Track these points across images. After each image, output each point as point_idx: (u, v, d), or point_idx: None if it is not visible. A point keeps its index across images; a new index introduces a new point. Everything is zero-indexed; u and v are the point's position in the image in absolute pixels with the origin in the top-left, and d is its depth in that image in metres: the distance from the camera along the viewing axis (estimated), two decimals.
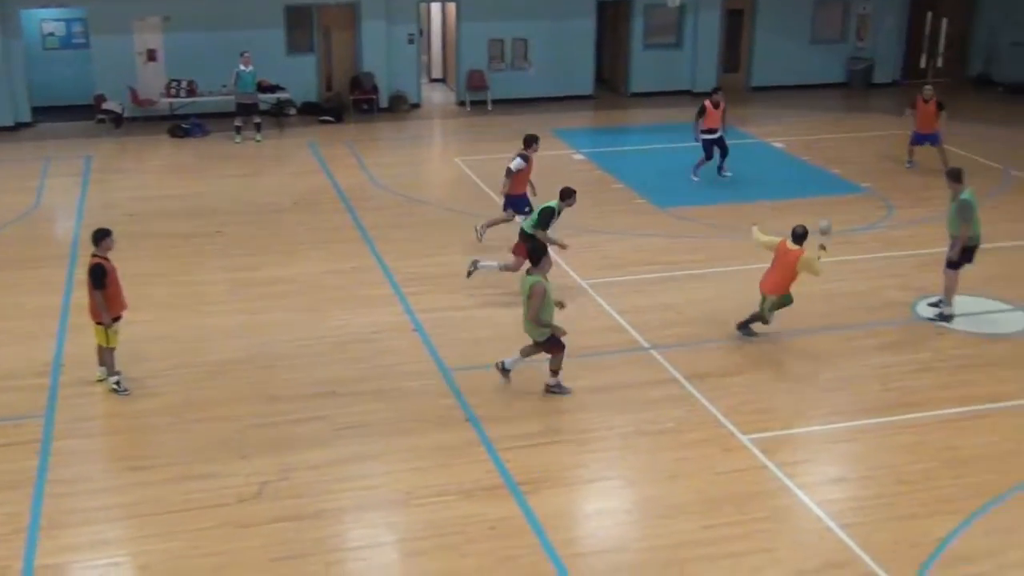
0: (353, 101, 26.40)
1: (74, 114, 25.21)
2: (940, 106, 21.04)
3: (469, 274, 15.15)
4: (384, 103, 26.67)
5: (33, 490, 10.57)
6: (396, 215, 18.91)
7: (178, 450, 11.30)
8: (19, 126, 24.55)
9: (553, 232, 14.89)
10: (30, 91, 24.81)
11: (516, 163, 16.57)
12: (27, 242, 17.59)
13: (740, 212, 18.99)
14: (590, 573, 9.51)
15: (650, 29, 28.52)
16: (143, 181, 21.18)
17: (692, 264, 16.54)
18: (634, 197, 19.84)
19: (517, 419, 11.94)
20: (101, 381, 12.56)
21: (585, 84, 28.26)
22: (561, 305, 12.39)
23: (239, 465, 11.00)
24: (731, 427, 11.80)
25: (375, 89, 26.46)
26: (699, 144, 20.62)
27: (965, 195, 14.18)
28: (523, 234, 14.89)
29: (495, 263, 15.14)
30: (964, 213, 14.18)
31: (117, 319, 12.34)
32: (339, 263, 16.52)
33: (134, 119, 24.80)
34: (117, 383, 12.41)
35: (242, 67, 23.04)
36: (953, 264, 14.39)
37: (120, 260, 12.68)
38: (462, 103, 27.59)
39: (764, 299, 13.68)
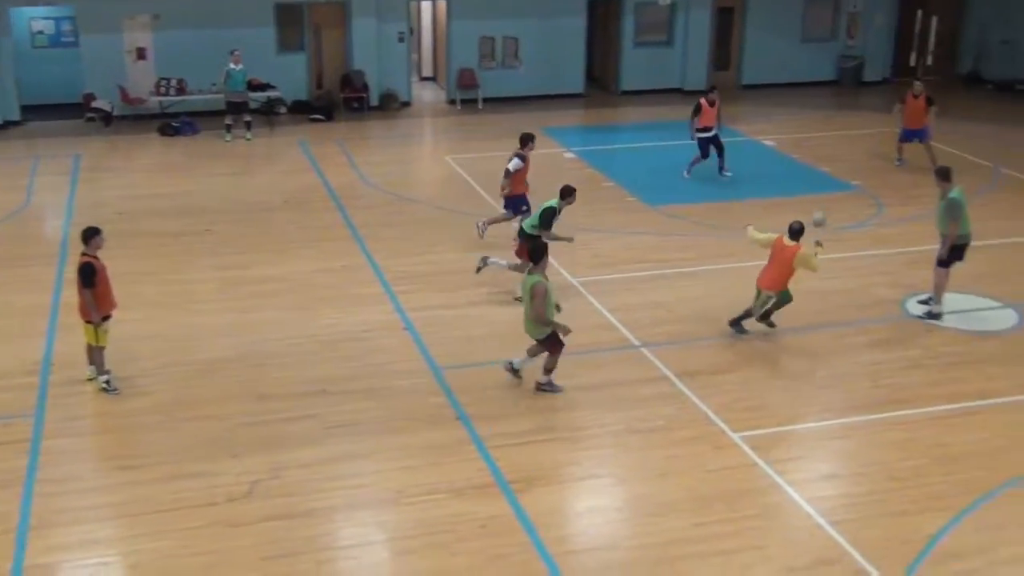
0: (343, 99, 26.36)
1: (63, 112, 25.14)
2: (930, 101, 21.11)
3: (478, 270, 15.12)
4: (374, 101, 26.63)
5: (23, 489, 10.53)
6: (386, 213, 18.90)
7: (168, 449, 11.27)
8: (8, 125, 24.49)
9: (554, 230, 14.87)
10: (19, 89, 24.73)
11: (514, 163, 16.57)
12: (16, 241, 17.53)
13: (730, 210, 19.03)
14: (581, 571, 9.52)
15: (641, 27, 28.53)
16: (133, 180, 21.12)
17: (683, 262, 16.55)
18: (625, 195, 19.85)
19: (508, 417, 11.94)
20: (91, 380, 12.53)
21: (576, 82, 28.26)
22: (557, 308, 12.40)
23: (229, 464, 10.98)
24: (722, 425, 11.81)
25: (365, 87, 26.43)
26: (694, 142, 20.64)
27: (953, 194, 14.21)
28: (523, 234, 14.87)
29: (504, 261, 15.12)
30: (952, 212, 14.21)
31: (107, 318, 12.31)
32: (329, 261, 16.50)
33: (124, 117, 24.73)
34: (107, 382, 12.38)
35: (232, 65, 23.00)
36: (943, 262, 14.42)
37: (110, 259, 12.64)
38: (453, 101, 27.57)
39: (759, 294, 13.68)
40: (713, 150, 20.67)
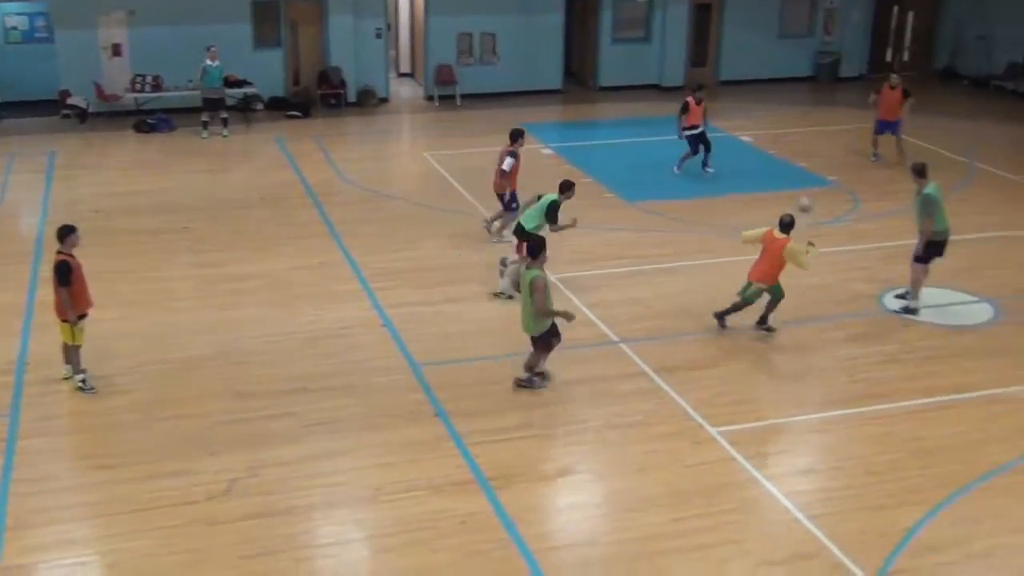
0: (321, 96, 26.27)
1: (38, 109, 24.96)
2: (906, 93, 21.24)
3: (502, 273, 15.10)
4: (352, 98, 26.55)
5: None
6: (364, 210, 18.86)
7: (146, 448, 11.22)
8: None
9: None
10: None
11: (508, 163, 16.67)
12: None
13: (708, 206, 19.09)
14: (560, 567, 9.53)
15: (618, 23, 28.55)
16: (109, 177, 20.99)
17: (661, 258, 16.59)
18: (603, 191, 19.87)
19: (487, 414, 11.95)
20: (67, 379, 12.45)
21: (554, 78, 28.26)
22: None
23: (208, 462, 10.94)
24: (700, 420, 11.85)
25: (343, 84, 26.35)
26: (682, 140, 20.71)
27: (928, 189, 14.29)
28: (520, 230, 14.87)
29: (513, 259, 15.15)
30: (927, 208, 14.29)
31: (83, 316, 12.25)
32: (307, 258, 16.45)
33: (99, 114, 24.57)
34: (83, 381, 12.32)
35: (208, 62, 22.89)
36: (919, 258, 14.50)
37: (85, 257, 12.56)
38: (430, 98, 27.53)
39: (748, 286, 13.69)
40: (700, 146, 20.76)
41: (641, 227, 17.93)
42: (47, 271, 13.12)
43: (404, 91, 28.86)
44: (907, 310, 14.61)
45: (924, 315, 14.56)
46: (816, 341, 13.83)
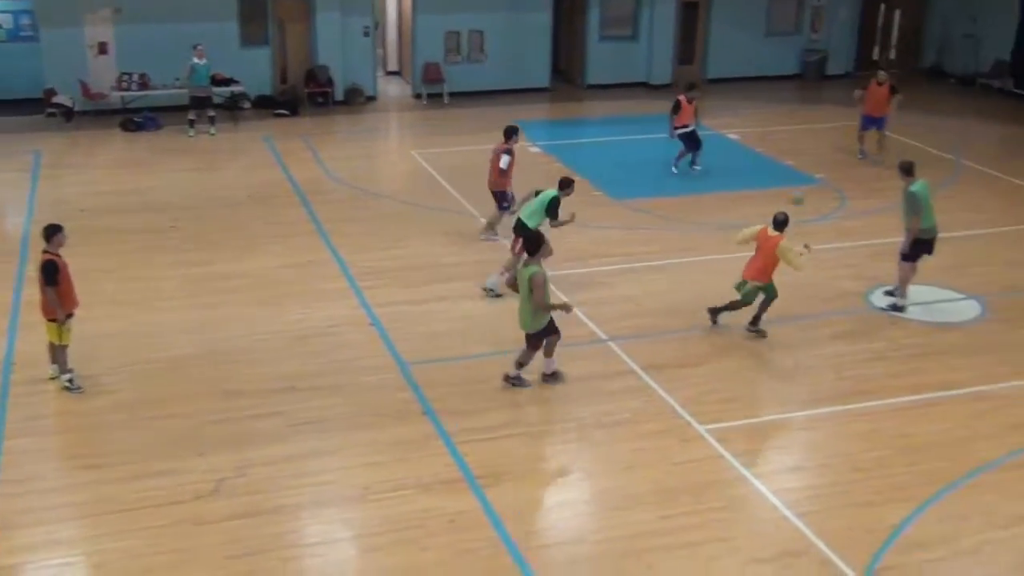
0: (308, 94, 26.21)
1: (23, 108, 24.81)
2: (893, 90, 21.29)
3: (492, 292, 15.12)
4: (340, 96, 26.50)
5: None
6: (352, 208, 18.83)
7: (133, 448, 11.19)
8: None
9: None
10: None
11: (505, 160, 16.69)
12: None
13: (695, 204, 19.12)
14: (549, 565, 9.53)
15: (606, 21, 28.55)
16: (95, 176, 20.91)
17: (648, 256, 16.60)
18: (591, 189, 19.86)
19: (475, 412, 11.94)
20: (53, 379, 12.40)
21: (541, 76, 28.25)
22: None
23: (195, 462, 10.91)
24: (688, 417, 11.86)
25: (330, 82, 26.30)
26: (673, 139, 20.73)
27: (914, 187, 14.32)
28: (521, 226, 14.90)
29: (496, 276, 15.10)
30: (912, 205, 14.33)
31: (69, 316, 12.20)
32: (294, 257, 16.42)
33: (85, 113, 24.47)
34: (70, 381, 12.27)
35: (195, 60, 22.82)
36: (906, 256, 14.54)
37: (72, 256, 12.51)
38: (418, 96, 27.50)
39: (743, 284, 13.68)
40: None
41: (628, 225, 17.93)
42: (33, 271, 13.07)
43: (392, 89, 28.82)
44: (894, 307, 14.65)
45: (911, 312, 14.60)
46: (803, 339, 13.86)
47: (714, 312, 13.99)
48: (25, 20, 25.50)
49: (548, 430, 11.79)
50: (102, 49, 24.72)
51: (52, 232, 12.09)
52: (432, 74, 27.21)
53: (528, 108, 26.33)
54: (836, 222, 18.18)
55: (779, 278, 13.81)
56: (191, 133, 23.27)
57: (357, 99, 26.64)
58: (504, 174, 16.72)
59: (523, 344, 12.34)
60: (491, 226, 17.09)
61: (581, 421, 11.93)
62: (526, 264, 12.06)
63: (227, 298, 14.92)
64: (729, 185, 20.20)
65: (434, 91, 27.25)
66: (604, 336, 13.81)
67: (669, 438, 11.50)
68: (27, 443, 11.32)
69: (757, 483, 10.69)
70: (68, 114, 24.19)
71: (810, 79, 29.80)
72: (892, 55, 30.71)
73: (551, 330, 12.26)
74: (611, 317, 14.31)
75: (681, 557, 9.59)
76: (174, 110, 23.98)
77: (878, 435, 11.63)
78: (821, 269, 15.91)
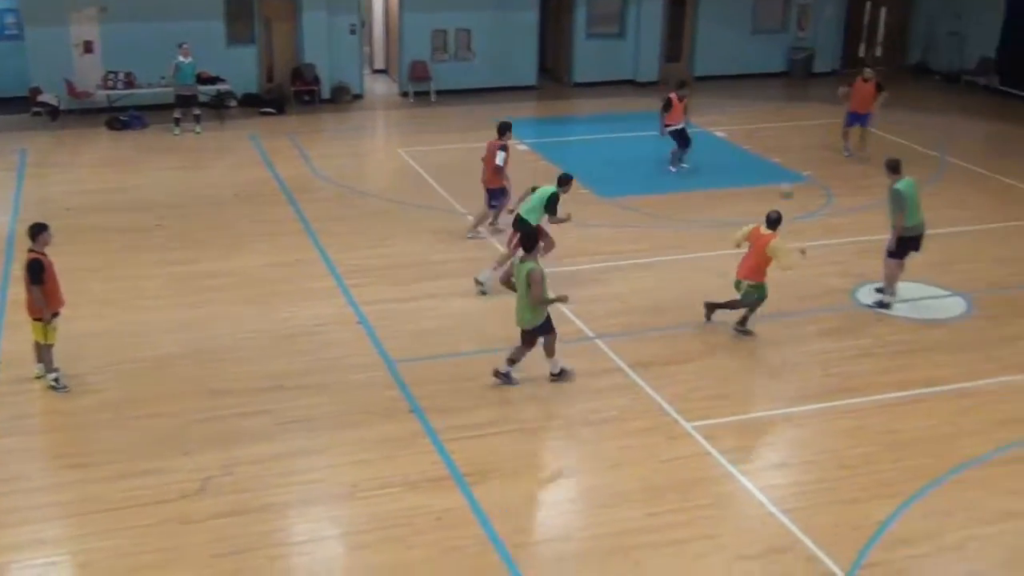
0: (295, 92, 26.15)
1: (8, 107, 24.69)
2: (879, 87, 21.36)
3: (481, 292, 15.05)
4: (326, 94, 26.45)
5: None
6: (339, 207, 18.80)
7: (118, 447, 11.16)
8: None
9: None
10: None
11: (501, 157, 16.72)
12: None
13: (683, 201, 19.15)
14: (536, 562, 9.54)
15: (593, 19, 28.56)
16: (80, 175, 20.84)
17: (636, 253, 16.61)
18: (578, 187, 19.73)
19: (462, 410, 11.94)
20: (39, 378, 12.36)
21: (528, 74, 28.25)
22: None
23: (181, 461, 10.89)
24: (675, 415, 11.88)
25: (317, 80, 26.25)
26: (664, 137, 20.75)
27: (899, 185, 14.36)
28: (520, 221, 14.94)
29: (489, 271, 15.12)
30: (896, 203, 14.38)
31: (55, 315, 12.16)
32: (281, 256, 16.39)
33: (71, 112, 24.37)
34: (55, 380, 12.23)
35: (181, 58, 22.75)
36: (892, 253, 14.58)
37: (57, 255, 12.47)
38: (405, 94, 27.47)
39: (738, 284, 13.66)
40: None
41: (616, 223, 17.95)
42: (18, 270, 13.02)
43: (378, 88, 28.78)
44: (880, 304, 14.69)
45: (897, 309, 14.65)
46: (790, 336, 13.89)
47: (710, 307, 13.96)
48: (10, 18, 25.37)
49: (535, 428, 11.79)
50: (87, 48, 24.63)
51: (38, 231, 12.06)
52: (419, 72, 27.19)
53: (515, 106, 26.31)
54: (823, 219, 18.23)
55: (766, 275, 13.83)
56: (177, 132, 23.21)
57: (344, 97, 26.60)
58: (500, 171, 16.74)
59: (509, 342, 12.33)
60: (479, 223, 17.09)
61: (568, 419, 11.95)
62: (523, 260, 12.07)
63: (213, 297, 14.89)
64: (716, 183, 20.24)
65: (421, 89, 27.23)
66: (591, 334, 13.82)
67: (656, 435, 11.52)
68: (12, 442, 11.28)
69: (744, 480, 10.71)
70: (54, 113, 24.10)
71: (797, 77, 29.86)
72: (878, 52, 30.81)
73: (547, 328, 12.26)
74: (599, 315, 14.32)
75: (668, 554, 9.60)
76: (160, 109, 23.90)
77: (864, 432, 11.67)
78: (808, 266, 15.87)
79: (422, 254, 16.49)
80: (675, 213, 18.42)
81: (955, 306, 14.91)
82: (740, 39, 29.49)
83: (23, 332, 12.63)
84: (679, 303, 14.62)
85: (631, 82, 28.70)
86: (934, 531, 9.96)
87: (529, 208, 14.96)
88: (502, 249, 15.65)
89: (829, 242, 16.99)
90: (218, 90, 24.99)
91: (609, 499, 10.42)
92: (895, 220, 14.42)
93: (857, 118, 21.62)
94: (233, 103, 25.44)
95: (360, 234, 17.34)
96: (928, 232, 14.83)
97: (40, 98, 24.13)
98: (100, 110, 24.31)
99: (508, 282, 12.37)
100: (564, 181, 15.13)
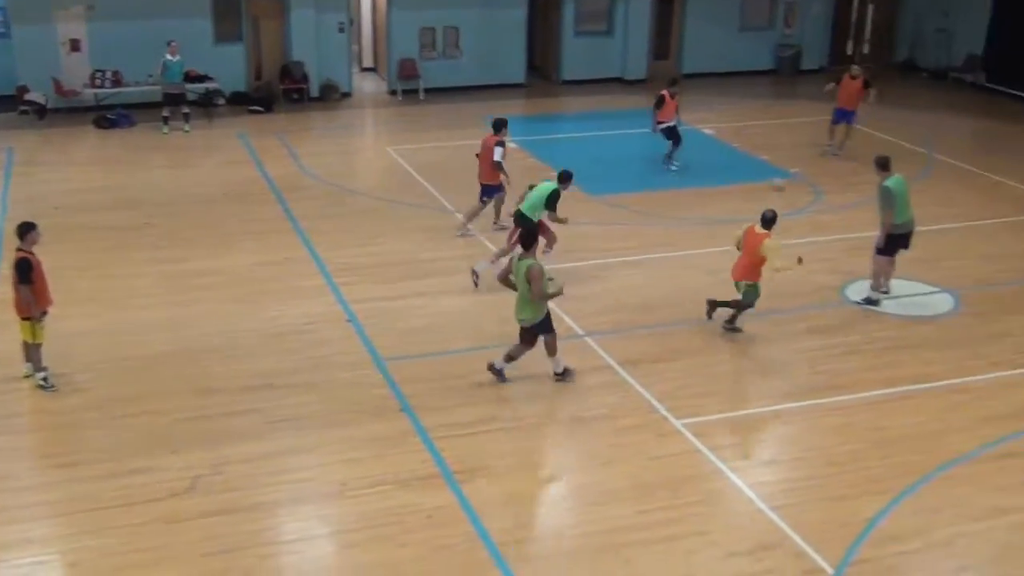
0: (283, 91, 26.12)
1: None
2: (867, 84, 21.41)
3: (475, 284, 15.03)
4: (315, 92, 26.42)
5: None
6: (328, 205, 18.78)
7: (108, 446, 11.13)
8: None
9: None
10: None
11: (499, 152, 16.75)
12: None
13: (671, 199, 19.17)
14: (526, 560, 9.54)
15: (581, 17, 28.58)
16: (68, 173, 20.77)
17: (625, 251, 16.63)
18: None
19: (452, 408, 11.94)
20: (28, 377, 12.33)
21: (517, 72, 28.25)
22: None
23: (171, 460, 10.87)
24: (665, 412, 11.90)
25: (305, 78, 26.21)
26: (656, 134, 20.78)
27: (888, 182, 14.39)
28: (521, 217, 14.97)
29: (486, 263, 15.15)
30: (883, 200, 14.41)
31: (43, 314, 12.12)
32: (270, 254, 16.36)
33: (58, 110, 24.30)
34: (44, 379, 12.20)
35: (169, 56, 22.69)
36: (880, 250, 14.62)
37: (45, 254, 12.41)
38: (394, 92, 27.44)
39: (738, 285, 13.62)
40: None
41: (605, 220, 17.96)
42: (7, 268, 12.97)
43: (367, 86, 28.75)
44: (869, 301, 14.73)
45: (885, 306, 14.69)
46: (779, 333, 13.92)
47: (712, 305, 13.88)
48: None
49: (526, 426, 11.79)
50: (75, 46, 24.54)
51: (26, 230, 12.02)
52: (407, 70, 27.16)
53: (504, 104, 26.27)
54: (811, 216, 18.26)
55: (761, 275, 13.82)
56: (165, 130, 23.15)
57: (332, 95, 26.57)
58: (498, 167, 16.77)
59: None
60: (469, 220, 17.09)
61: (558, 416, 11.96)
62: (522, 257, 12.07)
63: (202, 295, 14.86)
64: (705, 180, 20.27)
65: (409, 87, 27.21)
66: (581, 332, 13.83)
67: (646, 433, 11.53)
68: (1, 441, 11.23)
69: (733, 477, 10.74)
70: (41, 111, 24.02)
71: (784, 74, 29.92)
72: (865, 50, 30.88)
73: (547, 328, 12.25)
74: (588, 313, 14.33)
75: (658, 551, 9.62)
76: (148, 107, 23.85)
77: (852, 428, 11.70)
78: (784, 257, 15.96)
79: (411, 252, 16.48)
80: (664, 211, 18.44)
81: (943, 303, 14.96)
82: (728, 37, 29.54)
83: (11, 331, 12.57)
84: (668, 301, 14.65)
85: (619, 80, 28.73)
86: (923, 527, 9.99)
87: (531, 204, 15.01)
88: (491, 246, 15.61)
89: (818, 239, 17.02)
90: (206, 88, 24.93)
91: (599, 496, 10.44)
92: (884, 217, 14.45)
93: (844, 115, 21.69)
94: (221, 101, 25.39)
95: (349, 232, 17.32)
96: (916, 229, 14.86)
97: (27, 96, 24.03)
98: (88, 108, 24.24)
99: (507, 279, 12.37)
100: (565, 178, 15.19)
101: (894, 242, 14.56)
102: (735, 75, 29.43)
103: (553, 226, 15.30)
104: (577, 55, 28.68)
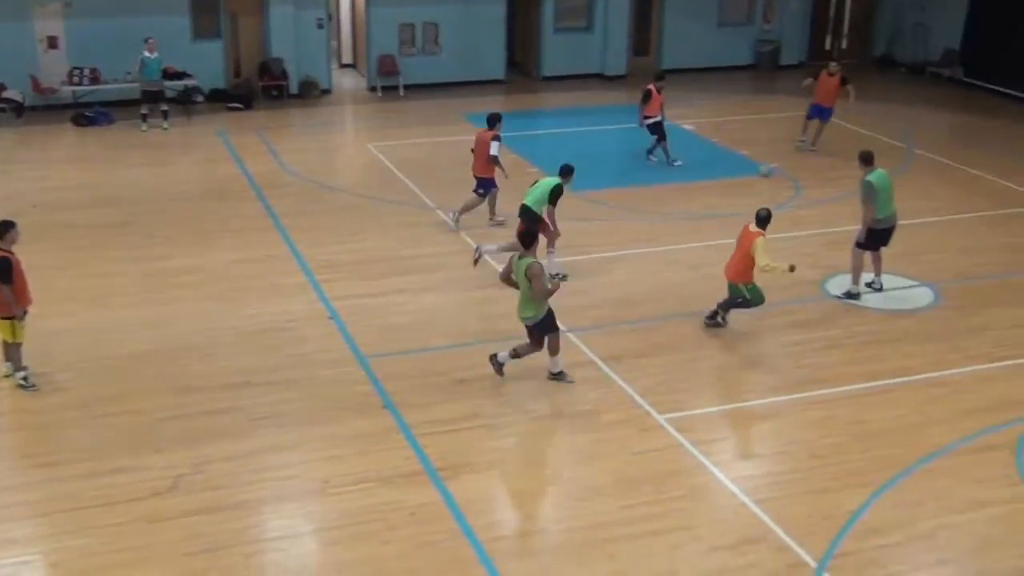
0: (262, 87, 26.03)
1: None
2: (844, 81, 21.49)
3: (475, 262, 15.01)
4: (294, 89, 26.34)
5: None
6: (308, 202, 18.72)
7: (88, 445, 11.07)
8: None
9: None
10: None
11: (495, 147, 16.82)
12: None
13: (651, 194, 19.20)
14: (510, 556, 9.55)
15: (561, 13, 28.58)
16: (46, 171, 20.64)
17: (606, 247, 16.65)
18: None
19: (435, 405, 11.92)
20: (8, 377, 12.25)
21: (497, 68, 28.23)
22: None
23: (153, 459, 10.82)
24: (647, 407, 11.92)
25: (284, 75, 26.13)
26: (643, 128, 20.79)
27: (870, 177, 14.46)
28: (525, 209, 15.02)
29: (495, 246, 15.15)
30: (865, 195, 14.48)
31: (24, 313, 12.03)
32: (251, 251, 16.31)
33: (36, 108, 24.14)
34: (24, 379, 12.12)
35: (147, 54, 22.57)
36: (860, 244, 14.69)
37: (24, 253, 12.32)
38: (373, 88, 27.38)
39: (736, 287, 13.60)
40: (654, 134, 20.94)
41: (585, 216, 17.96)
42: None
43: (346, 82, 28.69)
44: (849, 295, 14.79)
45: (865, 300, 14.75)
46: (760, 327, 13.96)
47: (724, 308, 13.80)
48: None
49: (509, 422, 11.79)
50: (52, 43, 24.38)
51: (5, 228, 11.93)
52: (387, 67, 27.11)
53: (484, 100, 26.23)
54: (791, 211, 18.31)
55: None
56: (144, 128, 23.04)
57: (312, 92, 26.49)
58: (494, 161, 16.79)
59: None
60: (465, 211, 17.09)
61: (541, 412, 11.96)
62: (521, 256, 12.06)
63: (182, 294, 14.80)
64: (685, 175, 20.31)
65: (389, 84, 27.15)
66: (563, 327, 13.77)
67: (629, 428, 11.55)
68: None
69: (716, 471, 10.77)
70: (18, 109, 23.86)
71: (763, 69, 29.99)
72: (844, 45, 31.01)
73: (551, 327, 12.23)
74: (570, 308, 14.32)
75: (643, 546, 9.63)
76: (126, 104, 23.73)
77: (834, 422, 11.75)
78: (777, 258, 15.99)
79: (392, 249, 16.46)
80: (645, 206, 18.47)
81: (922, 296, 15.04)
82: (707, 32, 29.61)
83: None
84: (650, 296, 14.67)
85: (599, 76, 28.74)
86: (904, 520, 10.05)
87: (536, 199, 15.06)
88: (471, 242, 15.57)
89: (798, 234, 17.07)
90: (185, 85, 24.82)
91: (583, 492, 10.45)
92: (865, 212, 14.51)
93: (820, 111, 21.77)
94: (200, 98, 25.27)
95: (330, 229, 17.28)
96: (897, 223, 14.92)
97: (4, 94, 23.85)
98: (66, 106, 24.10)
99: (509, 279, 12.36)
100: (567, 172, 15.25)
101: (875, 237, 14.63)
102: (714, 70, 29.50)
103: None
104: (557, 51, 28.68)
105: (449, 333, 13.64)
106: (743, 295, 13.48)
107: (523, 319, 12.18)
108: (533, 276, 11.80)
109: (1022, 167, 20.94)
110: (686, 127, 23.90)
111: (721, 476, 10.69)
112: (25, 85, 24.01)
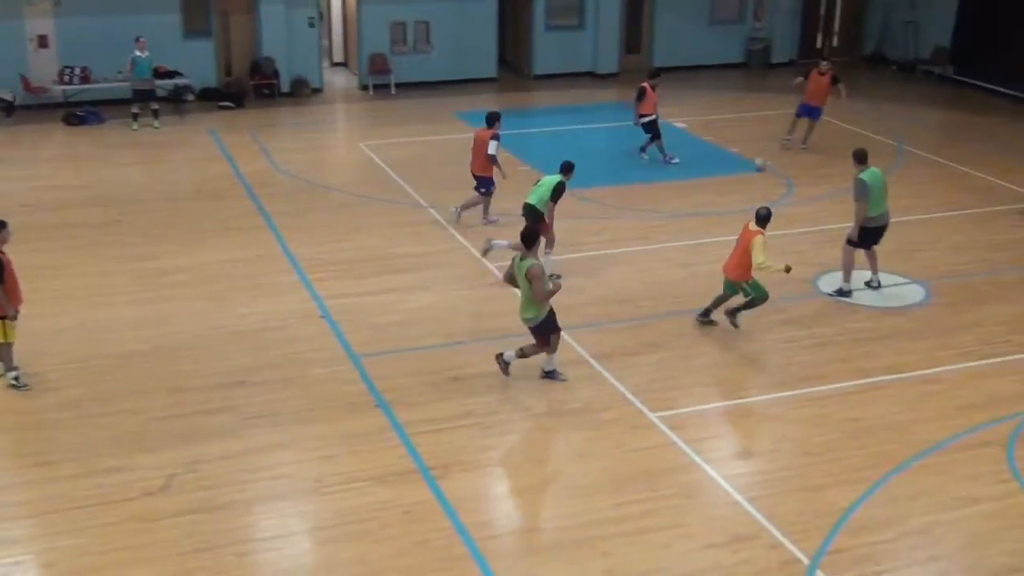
0: (253, 86, 25.98)
1: None
2: (835, 80, 21.51)
3: (485, 252, 14.80)
4: (285, 88, 26.30)
5: None
6: (300, 201, 18.70)
7: (81, 445, 11.05)
8: None
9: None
10: None
11: (494, 146, 16.85)
12: None
13: (643, 192, 19.22)
14: (503, 554, 9.56)
15: (552, 11, 28.57)
16: (37, 171, 20.58)
17: (597, 245, 16.66)
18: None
19: (427, 403, 11.93)
20: None
21: (488, 67, 28.22)
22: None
23: (145, 458, 10.81)
24: (640, 405, 11.93)
25: (276, 74, 26.09)
26: (638, 126, 20.79)
27: (863, 175, 14.49)
28: (529, 207, 15.08)
29: (506, 242, 15.08)
30: (858, 192, 14.50)
31: (17, 313, 12.00)
32: (243, 251, 16.29)
33: (26, 107, 24.07)
34: (16, 379, 12.10)
35: (137, 52, 22.52)
36: (851, 241, 14.72)
37: (14, 253, 12.28)
38: (365, 87, 27.35)
39: (726, 285, 13.62)
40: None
41: (577, 214, 17.96)
42: None
43: (338, 81, 28.66)
44: (840, 293, 14.82)
45: (857, 297, 14.78)
46: (753, 325, 13.97)
47: (732, 314, 13.71)
48: None
49: (502, 420, 11.79)
50: (42, 42, 24.32)
51: None
52: (378, 65, 27.08)
53: (475, 99, 26.27)
54: (783, 209, 18.30)
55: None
56: (135, 127, 22.99)
57: (303, 91, 26.46)
58: (493, 159, 16.83)
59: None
60: (466, 208, 17.11)
61: (534, 410, 11.97)
62: (523, 257, 12.05)
63: (175, 293, 14.77)
64: (676, 174, 20.33)
65: (381, 82, 27.13)
66: None
67: (621, 426, 11.57)
68: None
69: (709, 469, 10.78)
70: (9, 108, 23.80)
71: (755, 67, 30.02)
72: (834, 43, 31.06)
73: (553, 326, 12.23)
74: (562, 306, 14.23)
75: (636, 544, 9.64)
76: (117, 104, 23.67)
77: (827, 419, 11.77)
78: (769, 256, 16.01)
79: (384, 248, 16.45)
80: (636, 204, 18.48)
81: (914, 294, 15.08)
82: (698, 30, 29.62)
83: None
84: (642, 294, 14.68)
85: (591, 74, 28.74)
86: (898, 517, 10.07)
87: (539, 197, 15.12)
88: (464, 241, 15.58)
89: (790, 232, 17.08)
90: (176, 84, 24.78)
91: (576, 490, 10.46)
92: (857, 210, 14.54)
93: (809, 110, 21.79)
94: (191, 97, 25.23)
95: (322, 228, 17.26)
96: (889, 221, 14.95)
97: None
98: (56, 105, 24.02)
99: (510, 280, 12.36)
100: (567, 168, 15.36)
101: (867, 235, 14.66)
102: (706, 68, 29.52)
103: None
104: (548, 49, 28.67)
105: (441, 332, 13.64)
106: (745, 292, 13.50)
107: (525, 320, 12.17)
108: (533, 278, 11.81)
109: (1012, 164, 21.00)
110: (677, 125, 23.90)
111: (714, 474, 10.70)
112: (15, 84, 23.94)
